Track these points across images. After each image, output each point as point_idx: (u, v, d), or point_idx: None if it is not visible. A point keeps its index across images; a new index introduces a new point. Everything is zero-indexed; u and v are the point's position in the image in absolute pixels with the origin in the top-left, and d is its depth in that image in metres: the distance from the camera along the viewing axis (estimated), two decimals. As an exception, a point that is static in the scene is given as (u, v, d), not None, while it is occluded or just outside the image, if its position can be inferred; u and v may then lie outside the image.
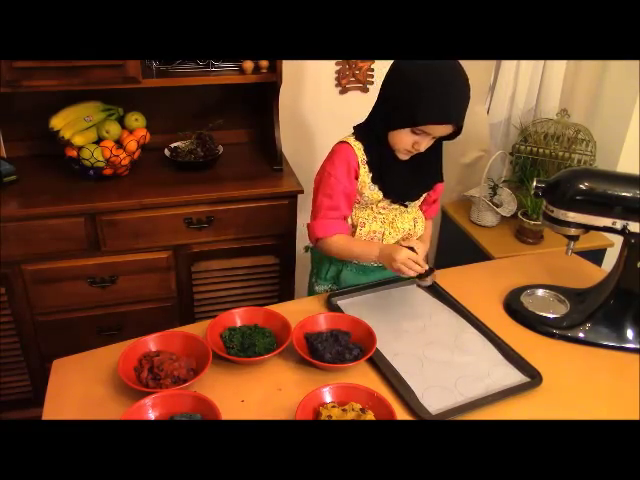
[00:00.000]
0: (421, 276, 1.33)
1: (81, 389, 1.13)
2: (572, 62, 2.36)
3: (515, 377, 1.20)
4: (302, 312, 1.31)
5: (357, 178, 1.39)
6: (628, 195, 1.24)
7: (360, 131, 1.40)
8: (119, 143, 1.89)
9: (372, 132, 1.37)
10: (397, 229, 1.47)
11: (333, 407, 1.06)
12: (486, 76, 2.36)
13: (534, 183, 1.34)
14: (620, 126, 2.31)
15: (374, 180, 1.39)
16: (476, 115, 2.34)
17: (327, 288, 1.56)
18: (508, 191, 2.43)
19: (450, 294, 1.44)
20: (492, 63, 2.36)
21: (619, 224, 1.27)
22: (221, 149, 2.06)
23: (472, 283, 1.54)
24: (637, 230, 1.26)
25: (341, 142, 1.41)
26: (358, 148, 1.38)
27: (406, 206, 1.46)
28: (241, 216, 1.92)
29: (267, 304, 1.38)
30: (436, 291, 1.46)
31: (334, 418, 1.03)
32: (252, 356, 1.19)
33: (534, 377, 1.19)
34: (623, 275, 1.33)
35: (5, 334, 1.87)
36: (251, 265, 2.03)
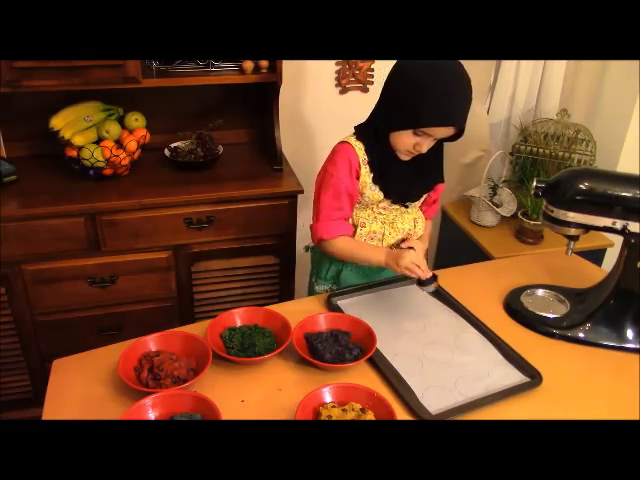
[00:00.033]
0: (424, 283, 1.33)
1: (81, 389, 1.13)
2: (572, 62, 2.36)
3: (515, 377, 1.20)
4: (302, 312, 1.31)
5: (358, 178, 1.39)
6: (628, 195, 1.24)
7: (361, 131, 1.40)
8: (119, 143, 1.89)
9: (373, 132, 1.37)
10: (397, 229, 1.47)
11: (333, 407, 1.06)
12: (486, 76, 2.36)
13: (534, 183, 1.34)
14: (620, 126, 2.31)
15: (375, 180, 1.39)
16: (476, 115, 2.34)
17: (327, 288, 1.56)
18: (508, 191, 2.43)
19: (450, 294, 1.44)
20: (492, 63, 2.36)
21: (619, 224, 1.27)
22: (221, 149, 2.06)
23: (472, 283, 1.54)
24: (637, 230, 1.26)
25: (342, 142, 1.41)
26: (359, 148, 1.38)
27: (407, 207, 1.46)
28: (241, 216, 1.92)
29: (267, 304, 1.38)
30: (436, 291, 1.45)
31: (334, 418, 1.03)
32: (252, 356, 1.19)
33: (534, 377, 1.19)
34: (623, 275, 1.33)
35: (5, 334, 1.87)
36: (251, 265, 2.03)
